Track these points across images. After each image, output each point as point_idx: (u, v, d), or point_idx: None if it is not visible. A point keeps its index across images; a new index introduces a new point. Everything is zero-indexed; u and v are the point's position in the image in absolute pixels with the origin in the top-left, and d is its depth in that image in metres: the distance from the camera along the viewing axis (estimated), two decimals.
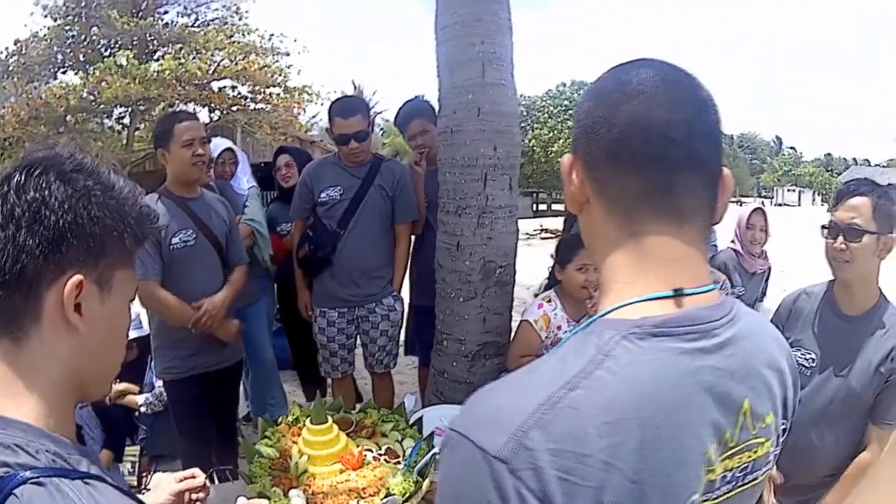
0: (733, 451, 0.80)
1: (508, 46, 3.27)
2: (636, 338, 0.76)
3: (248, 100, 21.37)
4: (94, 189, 0.88)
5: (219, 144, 4.46)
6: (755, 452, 0.84)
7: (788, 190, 67.85)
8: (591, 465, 0.68)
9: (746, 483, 0.85)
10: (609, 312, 0.81)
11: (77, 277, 0.85)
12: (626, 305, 0.81)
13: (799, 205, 59.03)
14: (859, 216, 2.15)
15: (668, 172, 0.82)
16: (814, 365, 2.31)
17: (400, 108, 4.29)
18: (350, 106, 3.78)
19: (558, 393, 0.71)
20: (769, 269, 4.50)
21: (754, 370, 0.84)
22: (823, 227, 2.26)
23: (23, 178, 0.86)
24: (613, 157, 0.83)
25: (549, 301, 2.75)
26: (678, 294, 0.80)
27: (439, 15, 3.32)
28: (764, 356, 0.87)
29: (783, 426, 0.91)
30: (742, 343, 0.82)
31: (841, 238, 2.18)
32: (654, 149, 0.81)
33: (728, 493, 0.82)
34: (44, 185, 0.85)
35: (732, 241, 4.40)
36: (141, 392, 4.14)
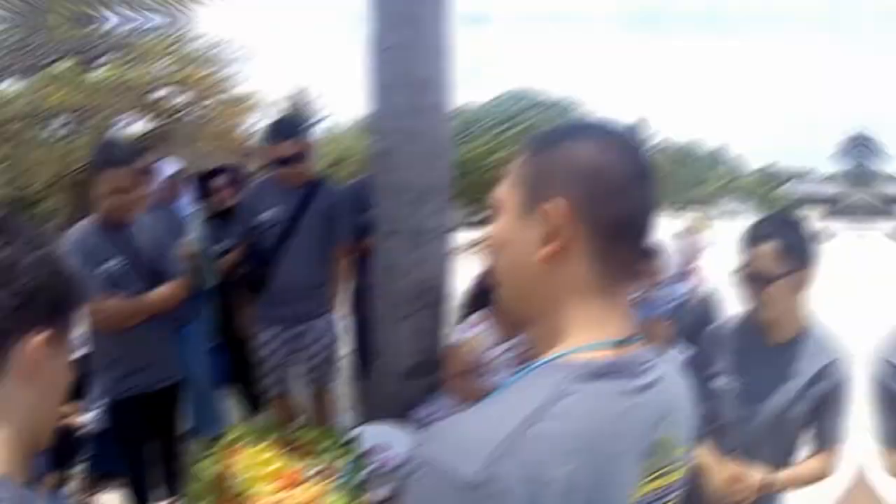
0: (652, 477, 0.90)
1: (445, 69, 3.25)
2: (582, 380, 0.84)
3: (191, 108, 21.04)
4: (49, 254, 0.94)
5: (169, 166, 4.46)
6: (669, 479, 0.94)
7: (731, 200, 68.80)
8: (554, 491, 0.76)
9: None
10: (559, 357, 0.89)
11: (44, 334, 0.91)
12: (575, 352, 0.89)
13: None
14: (765, 263, 2.11)
15: (647, 243, 0.96)
16: (739, 392, 2.28)
17: None
18: (284, 130, 3.81)
19: (523, 424, 0.78)
20: None
21: (674, 406, 0.95)
22: (735, 271, 2.24)
23: None
24: (622, 226, 0.91)
25: (481, 322, 2.81)
26: (621, 343, 0.91)
27: (373, 36, 3.27)
28: (679, 394, 0.99)
29: (687, 455, 1.02)
30: (664, 383, 0.93)
31: (751, 287, 2.18)
32: (648, 226, 0.94)
33: None
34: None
35: None
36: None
